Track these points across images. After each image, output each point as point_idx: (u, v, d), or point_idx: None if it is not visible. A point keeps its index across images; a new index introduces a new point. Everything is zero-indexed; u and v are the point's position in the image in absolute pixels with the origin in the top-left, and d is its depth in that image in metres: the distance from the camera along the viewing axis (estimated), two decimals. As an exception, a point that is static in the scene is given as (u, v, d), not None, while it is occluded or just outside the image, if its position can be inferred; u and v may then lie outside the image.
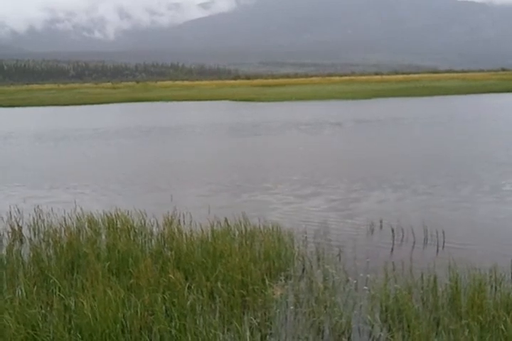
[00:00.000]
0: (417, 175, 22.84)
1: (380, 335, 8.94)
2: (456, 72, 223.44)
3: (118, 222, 14.97)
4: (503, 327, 8.44)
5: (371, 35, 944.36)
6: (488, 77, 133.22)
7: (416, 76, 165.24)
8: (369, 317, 9.39)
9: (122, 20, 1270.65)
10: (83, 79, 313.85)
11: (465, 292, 9.93)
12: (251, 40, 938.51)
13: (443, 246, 13.52)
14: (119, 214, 15.39)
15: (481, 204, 17.68)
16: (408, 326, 8.88)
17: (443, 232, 14.02)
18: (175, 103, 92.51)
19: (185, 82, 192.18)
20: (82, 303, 8.98)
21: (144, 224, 14.95)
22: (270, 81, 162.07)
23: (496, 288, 10.38)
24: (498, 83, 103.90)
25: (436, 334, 8.70)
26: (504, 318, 8.65)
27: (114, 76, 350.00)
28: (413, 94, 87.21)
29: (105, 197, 20.58)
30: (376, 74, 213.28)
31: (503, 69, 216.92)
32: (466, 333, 8.39)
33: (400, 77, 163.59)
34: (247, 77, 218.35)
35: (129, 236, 13.98)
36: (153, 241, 13.70)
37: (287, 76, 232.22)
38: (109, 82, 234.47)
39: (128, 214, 15.44)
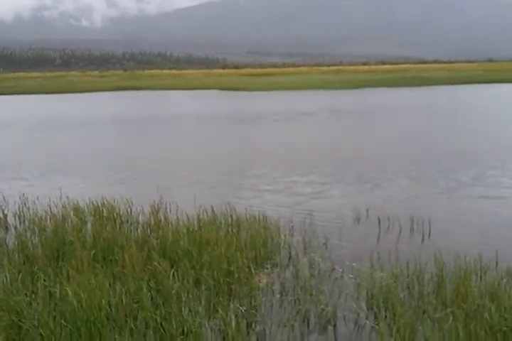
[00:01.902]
0: (400, 166, 22.90)
1: (365, 323, 8.96)
2: (444, 62, 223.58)
3: (104, 210, 14.91)
4: (487, 315, 8.47)
5: (360, 25, 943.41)
6: (475, 68, 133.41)
7: (403, 66, 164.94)
8: (355, 305, 9.42)
9: (110, 8, 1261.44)
10: (70, 68, 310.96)
11: (450, 280, 9.98)
12: (239, 29, 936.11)
13: (429, 235, 13.57)
14: (105, 202, 15.33)
15: (466, 195, 17.75)
16: (394, 314, 8.90)
17: (429, 221, 14.08)
18: (162, 92, 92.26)
19: (173, 71, 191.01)
20: (67, 291, 8.95)
21: (130, 212, 14.91)
22: (258, 70, 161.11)
23: (481, 277, 10.44)
24: (484, 74, 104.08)
25: (421, 322, 8.74)
26: (489, 307, 8.69)
27: (101, 64, 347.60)
28: (400, 84, 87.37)
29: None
30: (364, 64, 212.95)
31: (490, 60, 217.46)
32: (451, 321, 8.43)
33: (388, 67, 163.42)
34: (235, 67, 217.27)
35: (115, 224, 13.92)
36: (139, 229, 13.65)
37: (275, 65, 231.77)
38: (96, 70, 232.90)
39: (114, 202, 15.38)
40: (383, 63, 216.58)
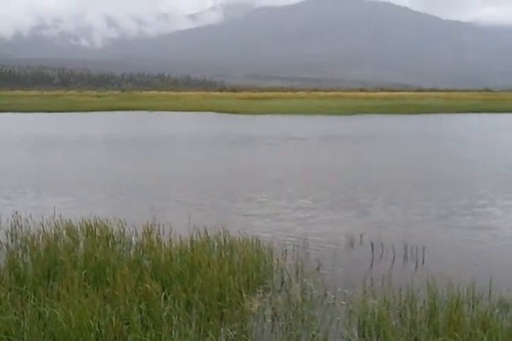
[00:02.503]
0: (393, 192, 22.92)
1: (356, 350, 8.89)
2: (441, 91, 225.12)
3: (97, 230, 14.84)
4: (479, 345, 8.43)
5: (357, 51, 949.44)
6: (471, 97, 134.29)
7: (401, 94, 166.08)
8: (346, 332, 9.35)
9: (110, 28, 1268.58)
10: (68, 87, 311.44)
11: (443, 309, 9.93)
12: (237, 52, 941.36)
13: (422, 262, 13.54)
14: (98, 222, 15.27)
15: (461, 221, 17.73)
16: (385, 342, 8.84)
17: (423, 248, 14.05)
18: (159, 113, 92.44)
19: (171, 93, 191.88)
20: (57, 311, 8.87)
21: (123, 232, 14.84)
22: (257, 94, 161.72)
23: (473, 305, 10.39)
24: (481, 103, 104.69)
25: (413, 350, 8.68)
26: (481, 336, 8.65)
27: (100, 84, 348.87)
28: (397, 112, 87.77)
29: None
30: (361, 90, 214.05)
31: (487, 90, 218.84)
32: (443, 350, 8.38)
33: (385, 94, 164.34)
34: (233, 90, 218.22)
35: (108, 244, 13.86)
36: (131, 250, 13.57)
37: (273, 90, 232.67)
38: (94, 90, 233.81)
39: (107, 222, 15.31)
40: (381, 90, 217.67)
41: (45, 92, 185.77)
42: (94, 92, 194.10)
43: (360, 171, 29.44)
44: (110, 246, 13.71)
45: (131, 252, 13.35)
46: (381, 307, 9.89)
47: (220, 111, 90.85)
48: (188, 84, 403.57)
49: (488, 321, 9.30)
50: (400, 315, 9.98)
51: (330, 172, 29.17)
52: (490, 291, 11.15)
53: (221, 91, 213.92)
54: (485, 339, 8.56)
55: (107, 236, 14.46)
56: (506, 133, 54.37)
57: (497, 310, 9.97)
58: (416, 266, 13.34)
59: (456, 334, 8.77)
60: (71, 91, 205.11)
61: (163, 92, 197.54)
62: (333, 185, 24.87)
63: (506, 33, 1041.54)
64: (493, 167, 30.09)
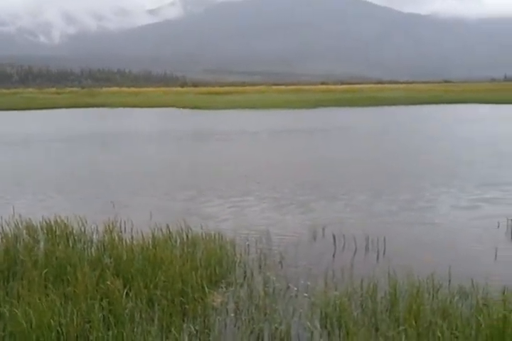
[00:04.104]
0: (352, 185, 23.11)
1: (319, 342, 8.96)
2: (400, 83, 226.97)
3: (57, 229, 14.68)
4: (439, 333, 8.56)
5: (318, 45, 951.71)
6: (431, 89, 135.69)
7: (360, 86, 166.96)
8: (309, 323, 9.41)
9: (68, 24, 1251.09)
10: (26, 84, 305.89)
11: (403, 298, 10.06)
12: (198, 47, 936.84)
13: (384, 253, 13.68)
14: (59, 220, 15.11)
15: (419, 213, 17.95)
16: (347, 333, 8.93)
17: (384, 240, 14.20)
18: (120, 109, 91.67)
19: (132, 89, 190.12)
20: (17, 311, 8.79)
21: (84, 231, 14.71)
22: (217, 89, 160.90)
23: (433, 295, 10.52)
24: (440, 95, 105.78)
25: (374, 340, 8.77)
26: (441, 324, 8.78)
27: (59, 81, 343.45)
28: (357, 104, 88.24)
29: None
30: (323, 83, 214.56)
31: (446, 81, 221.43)
32: (403, 339, 8.49)
33: (345, 87, 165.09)
34: (195, 85, 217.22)
35: (68, 243, 13.74)
36: (92, 248, 13.48)
37: (234, 84, 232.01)
38: (53, 87, 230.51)
39: (67, 220, 15.16)
40: (342, 83, 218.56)
41: (4, 90, 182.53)
42: (54, 89, 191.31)
43: (313, 166, 29.41)
44: (71, 245, 13.59)
45: (93, 250, 13.25)
46: (343, 298, 9.98)
47: (181, 107, 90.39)
48: (148, 79, 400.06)
49: (448, 309, 9.47)
50: (362, 306, 10.08)
51: (285, 168, 29.07)
52: (449, 280, 11.31)
53: (182, 86, 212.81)
54: (445, 327, 8.69)
55: (67, 234, 14.32)
56: (461, 124, 54.70)
57: (456, 298, 10.13)
58: (377, 257, 13.48)
59: (417, 323, 8.90)
60: (30, 89, 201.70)
61: (124, 88, 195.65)
62: (291, 180, 24.93)
63: (465, 26, 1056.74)
64: (441, 160, 30.47)
